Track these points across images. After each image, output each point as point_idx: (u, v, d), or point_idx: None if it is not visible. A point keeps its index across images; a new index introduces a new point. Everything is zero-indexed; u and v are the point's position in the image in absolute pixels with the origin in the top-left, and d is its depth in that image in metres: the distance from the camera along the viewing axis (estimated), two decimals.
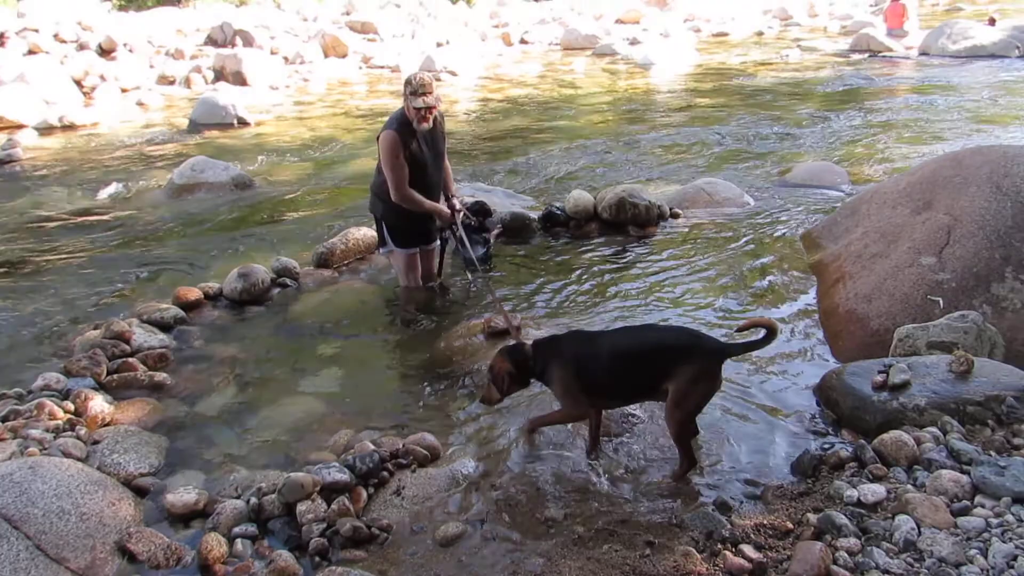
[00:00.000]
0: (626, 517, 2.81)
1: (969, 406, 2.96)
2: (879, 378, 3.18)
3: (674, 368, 2.81)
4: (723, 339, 3.19)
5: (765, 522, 2.63)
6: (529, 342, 3.23)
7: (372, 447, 3.17)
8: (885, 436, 2.88)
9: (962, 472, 2.60)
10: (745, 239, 5.57)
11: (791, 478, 2.95)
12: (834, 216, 5.40)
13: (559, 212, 6.01)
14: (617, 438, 3.27)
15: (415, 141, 4.38)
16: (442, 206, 4.63)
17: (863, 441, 2.94)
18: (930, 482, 2.59)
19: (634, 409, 3.43)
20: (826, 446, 3.04)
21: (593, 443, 3.17)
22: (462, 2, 22.95)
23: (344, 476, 2.94)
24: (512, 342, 3.35)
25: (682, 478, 2.97)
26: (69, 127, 10.35)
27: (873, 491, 2.61)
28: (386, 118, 4.58)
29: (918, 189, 4.59)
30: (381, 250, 4.95)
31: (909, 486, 2.62)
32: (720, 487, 2.94)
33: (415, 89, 4.26)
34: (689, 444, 2.97)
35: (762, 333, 2.82)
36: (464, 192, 6.10)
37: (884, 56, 14.96)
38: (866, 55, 15.18)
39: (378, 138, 4.38)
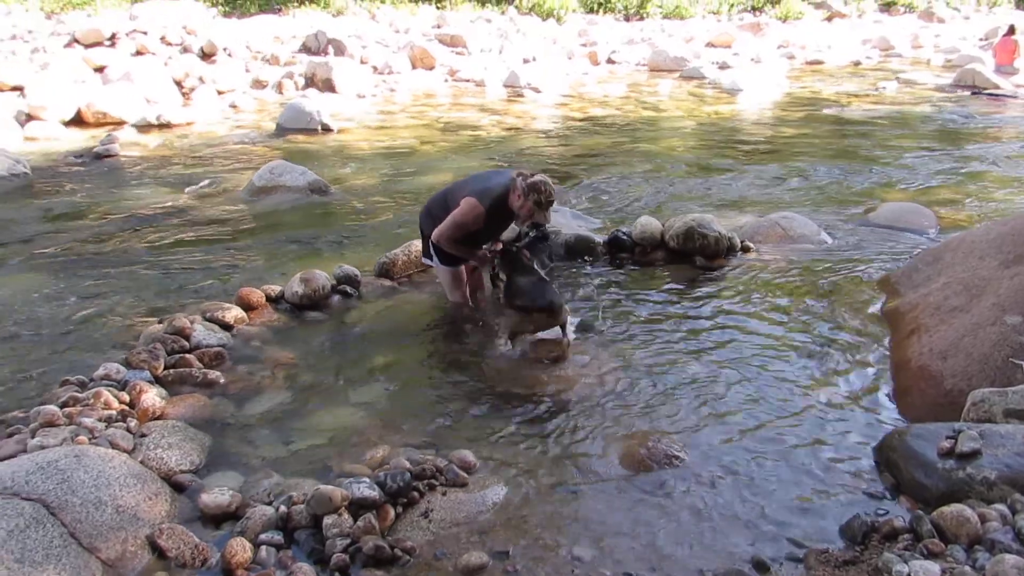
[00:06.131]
0: (656, 565, 2.69)
1: None
2: (946, 444, 2.94)
3: None
4: None
5: None
6: None
7: (408, 465, 3.15)
8: (946, 509, 2.66)
9: None
10: (818, 279, 5.31)
11: (838, 543, 2.75)
12: (915, 262, 5.08)
13: (625, 237, 5.89)
14: (656, 480, 3.15)
15: (500, 221, 4.51)
16: (481, 252, 4.69)
17: (921, 512, 2.71)
18: (991, 566, 2.36)
19: (677, 451, 3.30)
20: (880, 512, 2.84)
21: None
22: (552, 19, 23.04)
23: (373, 493, 2.92)
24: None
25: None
26: (165, 125, 10.88)
27: (926, 569, 2.40)
28: (480, 175, 4.76)
29: (1009, 241, 4.27)
30: (424, 260, 4.97)
31: (967, 568, 2.40)
32: (759, 544, 2.78)
33: (541, 201, 4.26)
34: None
35: None
36: None
37: (990, 94, 14.14)
38: (970, 92, 14.40)
39: (461, 198, 4.39)
